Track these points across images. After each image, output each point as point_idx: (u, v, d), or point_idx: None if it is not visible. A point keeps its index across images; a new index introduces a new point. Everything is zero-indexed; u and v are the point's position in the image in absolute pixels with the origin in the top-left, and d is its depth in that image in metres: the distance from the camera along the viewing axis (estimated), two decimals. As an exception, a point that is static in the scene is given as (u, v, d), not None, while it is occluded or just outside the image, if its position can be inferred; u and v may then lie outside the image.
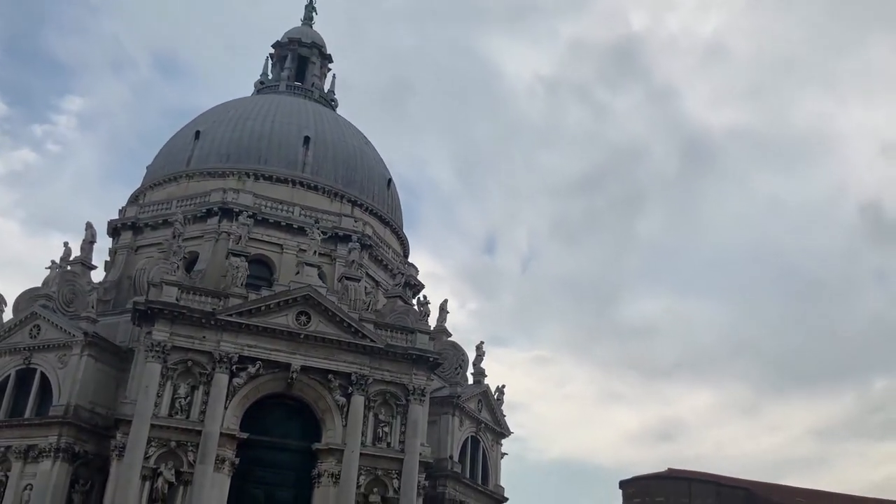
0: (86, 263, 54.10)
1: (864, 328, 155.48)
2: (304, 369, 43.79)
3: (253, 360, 43.00)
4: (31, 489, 41.06)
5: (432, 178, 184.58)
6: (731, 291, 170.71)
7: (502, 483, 55.42)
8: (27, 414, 43.33)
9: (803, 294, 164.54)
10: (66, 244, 56.50)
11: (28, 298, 53.08)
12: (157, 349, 41.32)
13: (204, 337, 42.65)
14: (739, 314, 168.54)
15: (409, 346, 46.35)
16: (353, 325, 45.31)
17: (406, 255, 67.66)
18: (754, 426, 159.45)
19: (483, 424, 53.61)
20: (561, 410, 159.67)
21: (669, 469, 72.43)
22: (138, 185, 63.57)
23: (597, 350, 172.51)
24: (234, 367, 42.45)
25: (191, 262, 51.95)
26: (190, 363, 42.12)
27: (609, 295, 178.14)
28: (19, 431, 42.81)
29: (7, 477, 42.01)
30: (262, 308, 44.05)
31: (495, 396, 55.68)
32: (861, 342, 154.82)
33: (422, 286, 64.96)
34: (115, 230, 58.59)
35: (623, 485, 72.91)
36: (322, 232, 54.28)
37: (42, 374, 44.10)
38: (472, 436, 52.35)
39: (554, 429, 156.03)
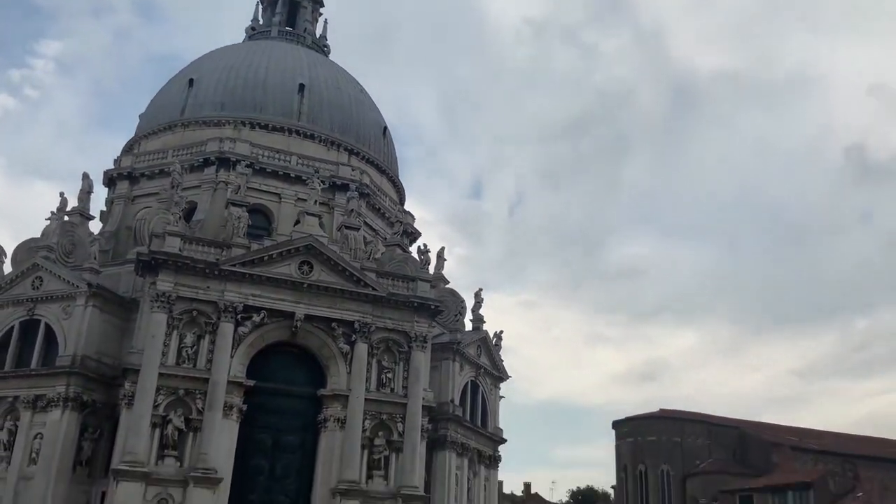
0: (84, 214, 54.13)
1: (848, 269, 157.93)
2: (308, 318, 44.26)
3: (257, 310, 43.40)
4: (41, 438, 41.72)
5: (418, 123, 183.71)
6: (715, 234, 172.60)
7: (500, 425, 56.73)
8: (33, 364, 43.73)
9: (787, 236, 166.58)
10: (62, 194, 56.21)
11: (27, 249, 53.08)
12: (162, 299, 41.60)
13: (208, 287, 42.92)
14: (724, 256, 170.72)
15: (411, 295, 46.86)
16: (355, 274, 45.70)
17: (402, 203, 67.80)
18: (737, 366, 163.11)
19: (482, 369, 54.55)
20: (548, 353, 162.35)
21: (661, 409, 74.12)
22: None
23: (583, 293, 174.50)
24: (238, 316, 42.85)
25: (189, 212, 51.92)
26: (195, 313, 42.47)
27: (595, 239, 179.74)
28: (26, 382, 43.26)
29: (17, 427, 42.62)
30: (265, 258, 44.26)
31: (493, 342, 56.57)
32: (844, 283, 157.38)
33: (418, 234, 65.33)
34: (110, 180, 58.43)
35: (616, 425, 74.66)
36: (320, 181, 54.48)
37: (46, 325, 44.37)
38: (471, 380, 53.30)
39: (541, 371, 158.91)
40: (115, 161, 60.41)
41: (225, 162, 54.75)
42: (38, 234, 50.43)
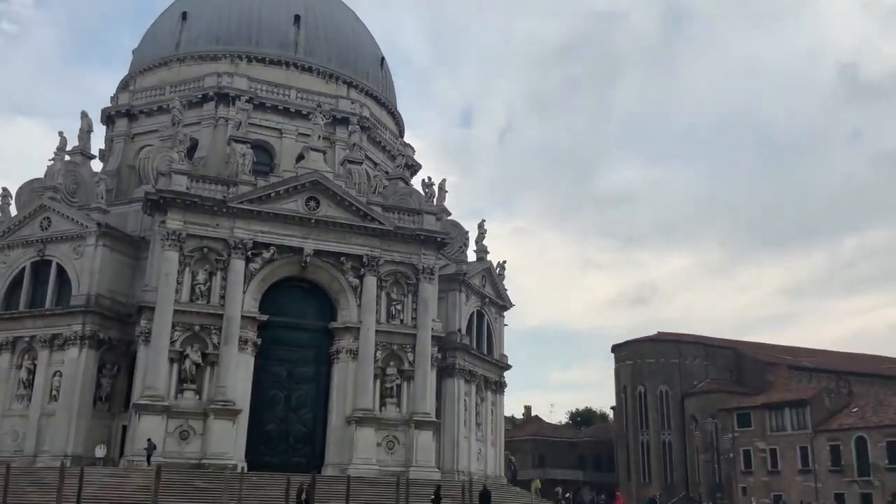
0: (85, 153, 54.07)
1: (838, 188, 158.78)
2: (317, 253, 44.81)
3: (267, 246, 43.88)
4: (60, 376, 42.64)
5: (405, 49, 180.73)
6: (706, 156, 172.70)
7: (505, 352, 58.08)
8: (47, 304, 44.32)
9: (778, 156, 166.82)
10: (61, 134, 55.93)
11: (31, 190, 53.19)
12: (173, 237, 41.98)
13: (217, 224, 43.28)
14: (714, 178, 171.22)
15: (417, 228, 47.34)
16: (362, 208, 46.07)
17: (401, 135, 67.61)
18: (727, 287, 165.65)
19: (487, 299, 55.51)
20: (541, 279, 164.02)
21: (659, 332, 75.70)
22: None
23: (574, 220, 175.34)
24: (249, 252, 43.36)
25: (190, 150, 51.64)
26: (206, 250, 42.94)
27: (586, 165, 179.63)
28: (42, 321, 43.91)
29: (35, 365, 43.48)
30: (272, 194, 44.51)
31: (497, 272, 57.41)
32: (833, 202, 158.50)
33: (419, 166, 65.38)
34: (109, 118, 57.96)
35: (615, 349, 76.34)
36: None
37: (58, 265, 44.78)
38: (477, 310, 54.29)
39: (534, 297, 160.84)
40: (112, 98, 59.89)
41: (224, 97, 54.37)
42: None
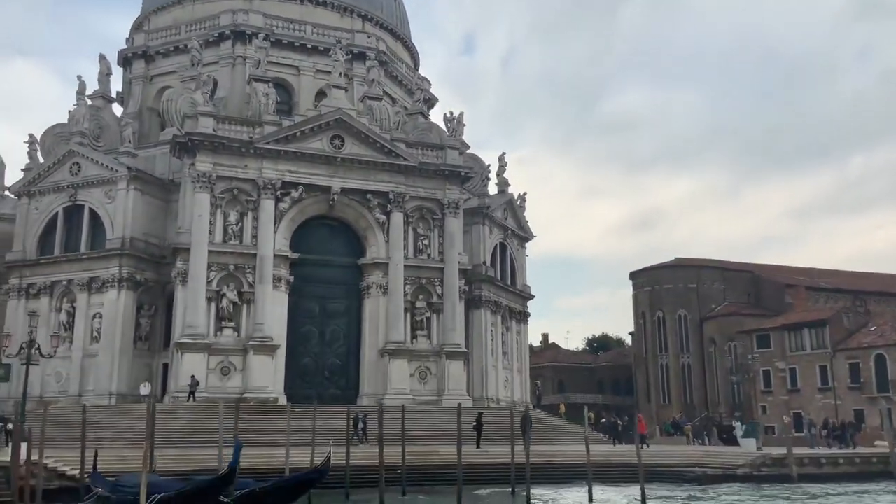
0: (107, 97, 54.15)
1: (845, 106, 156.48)
2: (344, 191, 45.36)
3: (295, 185, 44.44)
4: (100, 318, 43.84)
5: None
6: (712, 78, 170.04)
7: (528, 283, 59.03)
8: (82, 248, 45.20)
9: (785, 76, 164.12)
10: (79, 77, 55.90)
11: (54, 135, 53.55)
12: (203, 180, 42.53)
13: (246, 165, 43.77)
14: (720, 100, 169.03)
15: (442, 163, 47.69)
16: (386, 145, 46.36)
17: (416, 68, 67.21)
18: (733, 210, 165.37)
19: (510, 231, 56.15)
20: (546, 208, 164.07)
21: (676, 258, 76.29)
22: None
23: (578, 147, 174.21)
24: (278, 192, 43.94)
25: (210, 90, 51.81)
26: (236, 191, 43.54)
27: (590, 91, 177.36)
28: (78, 265, 44.89)
29: (74, 308, 44.64)
30: (297, 134, 44.82)
31: (518, 203, 57.89)
32: (841, 120, 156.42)
33: (436, 99, 65.21)
34: (125, 60, 57.90)
35: (633, 275, 77.16)
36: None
37: (91, 209, 45.48)
38: (500, 242, 54.98)
39: (540, 226, 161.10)
40: (127, 40, 59.67)
41: (240, 35, 54.19)
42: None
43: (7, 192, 55.83)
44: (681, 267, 74.68)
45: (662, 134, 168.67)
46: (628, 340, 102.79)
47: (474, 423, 32.69)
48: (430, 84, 65.54)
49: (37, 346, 29.47)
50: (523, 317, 58.09)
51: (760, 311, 70.41)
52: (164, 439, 32.56)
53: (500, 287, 53.75)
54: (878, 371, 55.03)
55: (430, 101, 63.86)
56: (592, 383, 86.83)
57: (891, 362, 54.30)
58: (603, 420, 51.80)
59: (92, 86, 54.46)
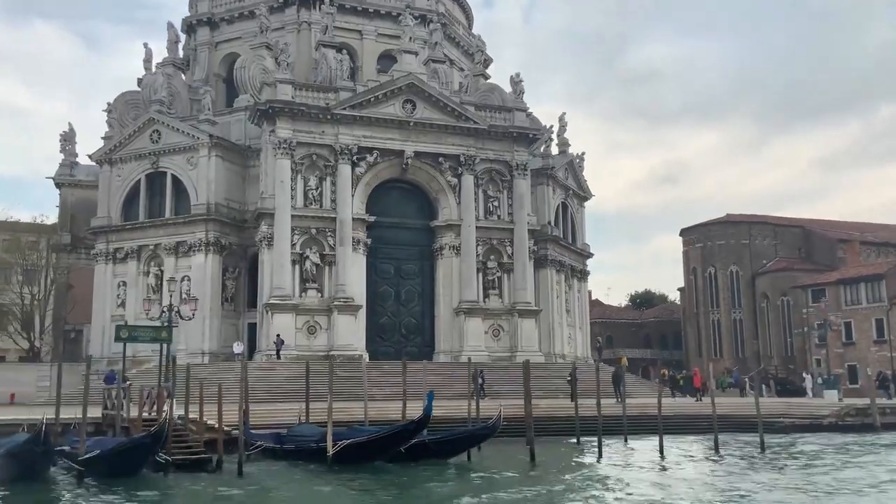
0: (177, 65, 55.35)
1: (873, 55, 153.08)
2: (417, 154, 46.52)
3: (370, 150, 45.67)
4: (188, 280, 45.68)
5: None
6: (737, 28, 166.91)
7: (587, 241, 60.18)
8: (167, 214, 46.91)
9: (811, 25, 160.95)
10: (145, 45, 57.36)
11: (125, 103, 55.09)
12: (285, 146, 43.88)
13: (323, 131, 45.01)
14: (745, 51, 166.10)
15: (509, 125, 48.60)
16: (457, 108, 47.33)
17: (471, 27, 67.60)
18: (759, 162, 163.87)
19: (571, 191, 57.14)
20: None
21: (727, 214, 76.90)
22: None
23: (602, 101, 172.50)
24: (354, 157, 45.21)
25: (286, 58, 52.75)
26: (314, 157, 44.87)
27: (614, 44, 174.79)
28: (164, 230, 46.68)
29: (162, 271, 46.51)
30: (371, 99, 45.86)
31: (577, 163, 58.74)
32: (868, 70, 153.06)
33: (491, 59, 65.62)
34: (189, 27, 58.87)
35: (683, 232, 77.88)
36: (397, 14, 54.85)
37: (173, 175, 47.05)
38: (562, 202, 56.04)
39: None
40: (191, 6, 60.56)
41: (305, 1, 54.99)
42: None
43: (77, 160, 57.83)
44: (732, 223, 75.18)
45: (688, 86, 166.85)
46: (671, 296, 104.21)
47: (568, 378, 34.17)
48: (485, 44, 65.93)
49: (177, 309, 31.14)
50: (583, 275, 59.39)
51: (812, 265, 71.02)
52: (273, 395, 34.47)
53: (563, 246, 54.96)
54: (937, 323, 55.90)
55: (486, 62, 64.37)
56: (639, 338, 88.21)
57: (950, 315, 55.13)
58: (673, 373, 53.16)
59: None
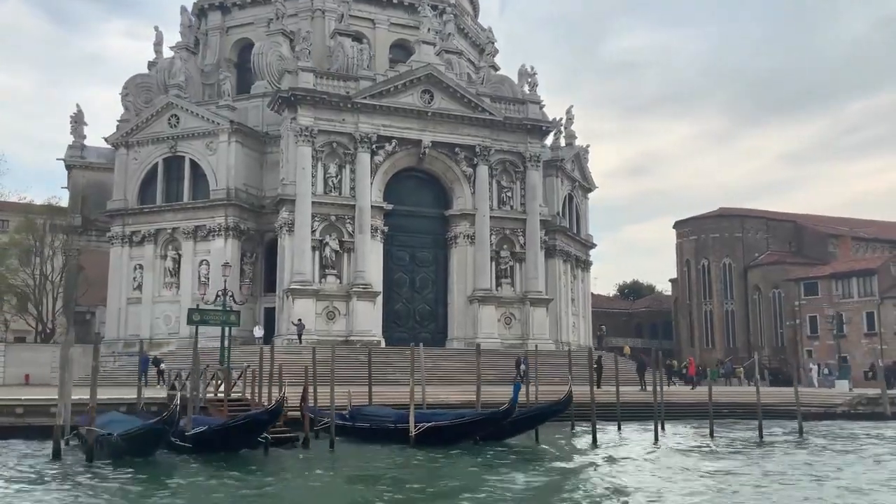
0: (190, 49, 55.44)
1: (845, 51, 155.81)
2: (434, 144, 47.28)
3: (388, 139, 46.36)
4: (206, 264, 46.17)
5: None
6: (713, 18, 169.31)
7: (590, 232, 61.40)
8: (185, 198, 47.28)
9: (786, 17, 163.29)
10: (156, 28, 57.48)
11: (136, 86, 55.24)
12: (306, 133, 44.43)
13: (343, 119, 45.60)
14: (720, 42, 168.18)
15: (524, 118, 49.51)
16: (473, 100, 48.12)
17: (476, 16, 68.22)
18: (731, 154, 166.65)
19: (577, 182, 58.25)
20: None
21: (721, 208, 78.57)
22: None
23: (578, 90, 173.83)
24: (373, 146, 45.86)
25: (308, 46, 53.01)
26: (335, 144, 45.47)
27: (591, 32, 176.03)
28: (182, 214, 47.06)
29: (179, 255, 46.92)
30: (391, 89, 46.49)
31: (582, 155, 59.82)
32: (840, 65, 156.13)
33: (496, 50, 66.30)
34: (201, 11, 58.92)
35: (678, 224, 79.44)
36: (409, 4, 55.51)
37: (191, 160, 47.38)
38: (568, 193, 57.12)
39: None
40: (202, -10, 60.59)
41: (320, -12, 55.37)
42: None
43: (86, 142, 57.90)
44: (725, 217, 76.85)
45: (663, 76, 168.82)
46: (658, 286, 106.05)
47: (595, 366, 35.23)
48: (493, 34, 66.60)
49: (231, 293, 31.73)
50: (587, 265, 60.62)
51: (803, 259, 72.87)
52: (302, 378, 35.08)
53: (569, 237, 56.12)
54: (927, 318, 57.90)
55: (486, 49, 65.01)
56: (631, 328, 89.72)
57: (940, 309, 57.12)
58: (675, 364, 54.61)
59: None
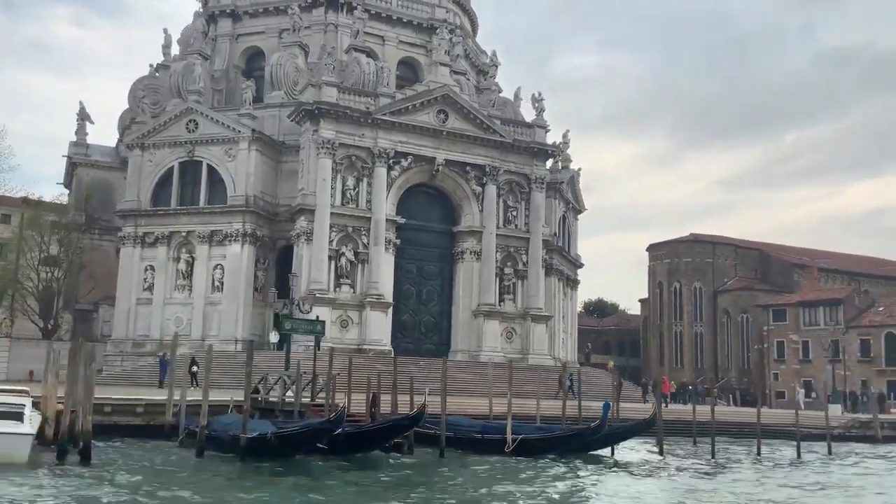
0: (202, 54, 56.06)
1: (783, 82, 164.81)
2: (447, 162, 49.05)
3: (405, 155, 47.98)
4: (221, 268, 47.04)
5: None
6: (659, 43, 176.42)
7: (579, 252, 63.92)
8: (201, 202, 48.02)
9: (729, 47, 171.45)
10: (165, 30, 58.25)
11: (143, 87, 55.87)
12: (328, 146, 45.77)
13: (363, 134, 47.06)
14: (666, 66, 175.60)
15: (531, 141, 51.68)
16: (485, 121, 50.09)
17: (475, 34, 70.16)
18: (671, 176, 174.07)
19: (570, 204, 60.67)
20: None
21: (692, 234, 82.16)
22: None
23: (526, 103, 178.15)
24: (390, 161, 47.43)
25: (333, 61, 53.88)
26: (353, 158, 46.89)
27: (541, 51, 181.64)
28: (198, 218, 47.79)
29: (193, 258, 47.64)
30: (410, 107, 48.16)
31: (575, 178, 62.33)
32: (778, 96, 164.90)
33: (496, 73, 68.40)
34: (211, 17, 59.64)
35: (651, 248, 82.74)
36: (418, 23, 57.45)
37: (209, 165, 48.18)
38: (563, 214, 59.49)
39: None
40: (213, -4, 61.31)
41: (333, 3, 56.76)
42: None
43: (103, 142, 58.18)
44: (697, 242, 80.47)
45: (610, 97, 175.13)
46: (621, 305, 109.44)
47: (615, 383, 37.29)
48: (487, 55, 68.69)
49: (297, 302, 32.80)
50: (574, 283, 63.03)
51: (769, 286, 76.83)
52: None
53: (563, 256, 58.43)
54: (889, 348, 61.83)
55: (487, 71, 67.07)
56: (599, 345, 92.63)
57: (901, 340, 61.21)
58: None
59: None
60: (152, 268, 48.25)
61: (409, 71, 59.09)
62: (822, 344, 65.30)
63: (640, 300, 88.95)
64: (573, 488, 19.55)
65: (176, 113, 49.13)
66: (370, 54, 56.67)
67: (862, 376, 62.70)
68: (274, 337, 44.81)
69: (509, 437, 23.01)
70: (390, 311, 46.69)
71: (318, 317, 36.03)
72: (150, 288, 48.01)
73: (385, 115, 47.28)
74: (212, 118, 48.40)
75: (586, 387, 45.03)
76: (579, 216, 64.34)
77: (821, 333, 66.41)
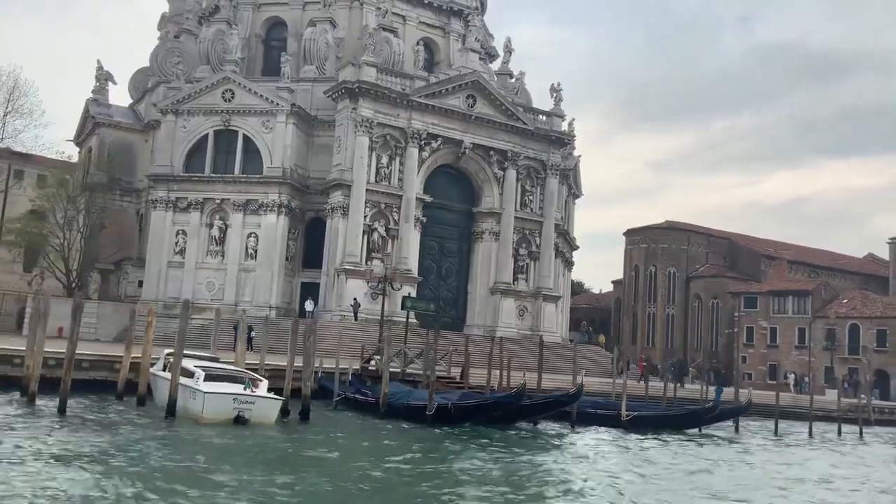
0: (230, 22, 56.79)
1: (717, 71, 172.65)
2: (473, 146, 51.41)
3: (435, 137, 50.16)
4: (255, 237, 48.59)
5: None
6: (606, 23, 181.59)
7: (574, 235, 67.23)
8: (236, 171, 49.33)
9: (672, 34, 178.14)
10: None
11: (166, 50, 56.58)
12: (366, 124, 47.62)
13: (398, 115, 49.02)
14: (610, 47, 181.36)
15: (550, 129, 54.39)
16: (510, 108, 52.54)
17: (483, 15, 71.87)
18: (607, 157, 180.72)
19: (572, 189, 63.79)
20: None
21: (667, 221, 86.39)
22: None
23: None
24: (422, 142, 49.55)
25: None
26: (388, 137, 48.85)
27: (493, 21, 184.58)
28: (234, 187, 49.13)
29: (226, 226, 49.03)
30: (442, 91, 50.25)
31: (577, 164, 65.45)
32: (710, 84, 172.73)
33: (497, 54, 70.46)
34: (234, -14, 60.17)
35: (628, 233, 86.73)
36: (438, 5, 59.23)
37: (245, 135, 49.43)
38: (566, 198, 62.57)
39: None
40: (233, -36, 61.70)
41: (359, -21, 57.98)
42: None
43: (111, 101, 58.42)
44: (673, 229, 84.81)
45: (555, 72, 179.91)
46: (586, 285, 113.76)
47: (620, 363, 40.53)
48: (493, 37, 70.79)
49: (389, 281, 34.81)
50: (570, 264, 66.39)
51: (738, 274, 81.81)
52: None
53: (565, 239, 61.60)
54: (852, 337, 67.24)
55: (493, 55, 69.28)
56: (571, 323, 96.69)
57: (864, 330, 66.52)
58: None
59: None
60: (184, 232, 49.46)
61: (426, 52, 60.78)
62: (791, 331, 70.55)
63: (613, 281, 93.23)
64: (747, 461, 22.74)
65: (213, 81, 50.11)
66: (394, 33, 58.54)
67: (825, 363, 68.02)
68: (310, 305, 47.04)
69: (623, 412, 25.88)
70: (415, 285, 49.08)
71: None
72: (182, 252, 49.25)
73: (420, 97, 49.27)
74: (249, 89, 49.55)
75: (589, 363, 48.75)
76: (577, 200, 67.57)
77: (789, 321, 71.56)
